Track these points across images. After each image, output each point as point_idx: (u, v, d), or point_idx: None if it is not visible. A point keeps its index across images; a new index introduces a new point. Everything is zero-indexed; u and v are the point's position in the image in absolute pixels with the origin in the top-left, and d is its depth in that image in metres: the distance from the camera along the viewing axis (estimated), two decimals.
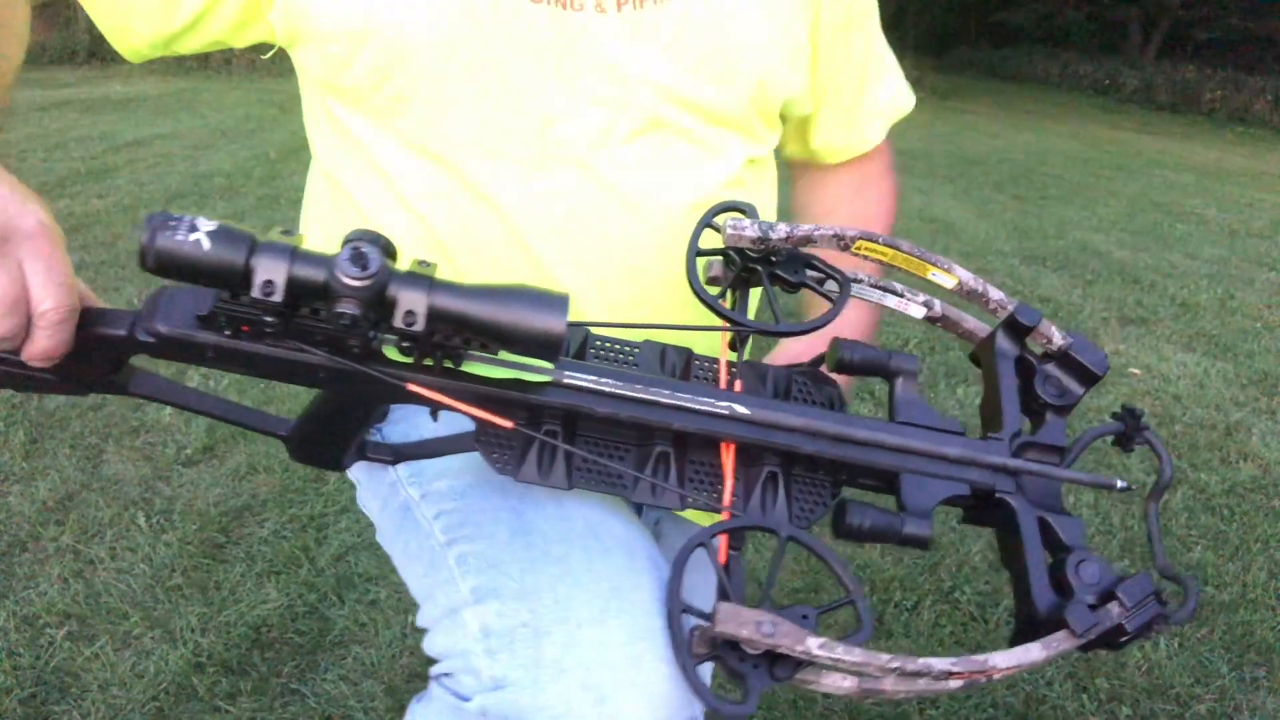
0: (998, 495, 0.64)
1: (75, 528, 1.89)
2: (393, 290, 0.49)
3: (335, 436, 0.67)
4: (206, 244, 0.47)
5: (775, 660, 0.54)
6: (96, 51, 9.03)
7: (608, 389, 0.61)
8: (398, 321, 0.49)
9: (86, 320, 0.55)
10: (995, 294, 0.69)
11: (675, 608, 0.56)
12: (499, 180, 0.77)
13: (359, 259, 0.48)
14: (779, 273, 0.70)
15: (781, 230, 0.67)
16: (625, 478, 0.62)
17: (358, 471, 0.87)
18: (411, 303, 0.49)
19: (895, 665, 0.54)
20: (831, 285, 0.71)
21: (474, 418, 0.59)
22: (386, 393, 0.58)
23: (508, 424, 0.59)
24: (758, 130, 0.85)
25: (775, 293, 0.70)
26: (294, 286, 0.49)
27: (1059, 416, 0.66)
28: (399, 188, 0.79)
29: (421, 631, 0.70)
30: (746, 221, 0.68)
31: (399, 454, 0.73)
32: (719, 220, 0.71)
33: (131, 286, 3.12)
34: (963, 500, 0.65)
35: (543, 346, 0.51)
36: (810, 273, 0.70)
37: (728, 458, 0.63)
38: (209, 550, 1.85)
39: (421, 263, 0.52)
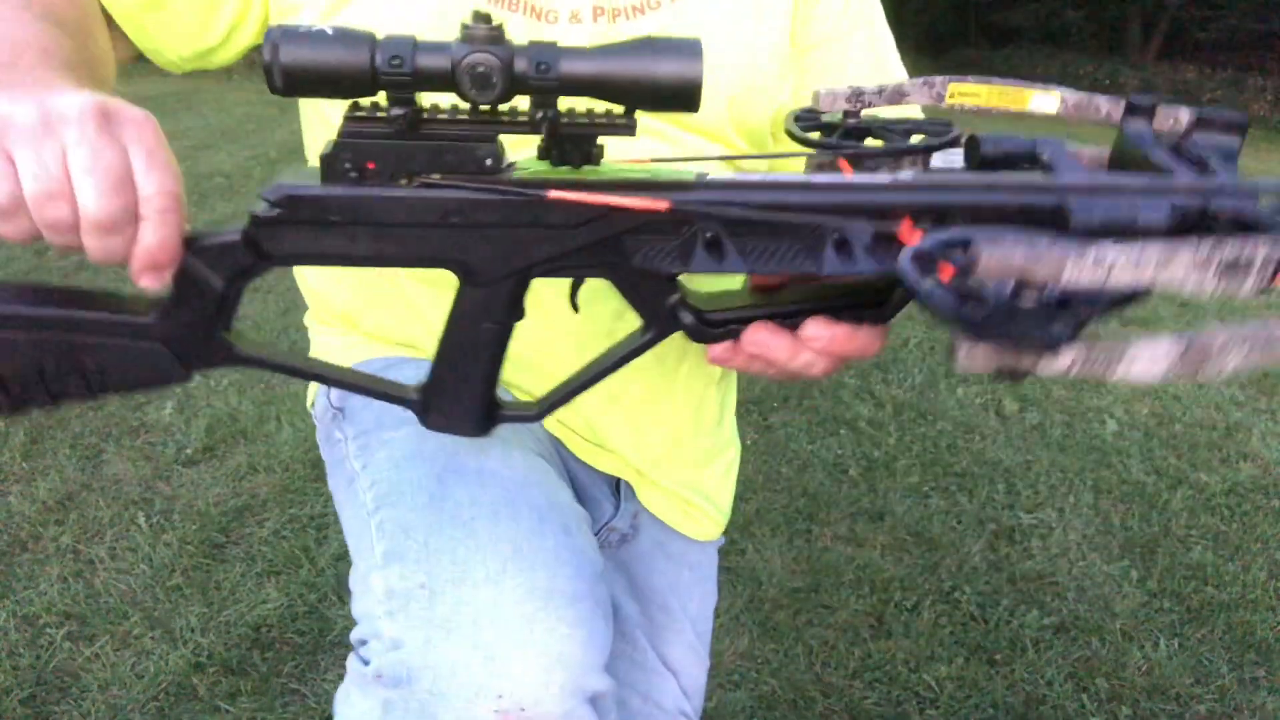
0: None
1: (75, 528, 1.89)
2: (520, 56, 0.48)
3: (473, 364, 0.62)
4: (330, 30, 0.47)
5: (1065, 307, 0.45)
6: None
7: (758, 180, 0.56)
8: (531, 73, 0.48)
9: (202, 236, 0.53)
10: (1103, 100, 0.66)
11: (921, 285, 0.45)
12: None
13: (482, 16, 0.47)
14: (887, 127, 0.66)
15: (873, 87, 0.66)
16: (805, 258, 0.57)
17: (324, 451, 0.88)
18: (544, 56, 0.48)
19: (1207, 252, 0.42)
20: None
21: (628, 208, 0.54)
22: (524, 242, 0.54)
23: (663, 204, 0.54)
24: (735, 142, 0.84)
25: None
26: (421, 66, 0.47)
27: (1228, 163, 0.58)
28: None
29: None
30: (839, 86, 0.66)
31: (544, 405, 0.66)
32: (809, 104, 0.68)
33: (130, 287, 3.11)
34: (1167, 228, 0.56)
35: (679, 95, 0.49)
36: (915, 125, 0.67)
37: (906, 229, 0.56)
38: (209, 550, 1.85)
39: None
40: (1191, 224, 0.54)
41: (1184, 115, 0.62)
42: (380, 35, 0.48)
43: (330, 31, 0.47)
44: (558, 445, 0.90)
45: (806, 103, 0.87)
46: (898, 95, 0.66)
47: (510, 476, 0.69)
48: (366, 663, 0.63)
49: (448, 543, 0.62)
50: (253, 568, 1.81)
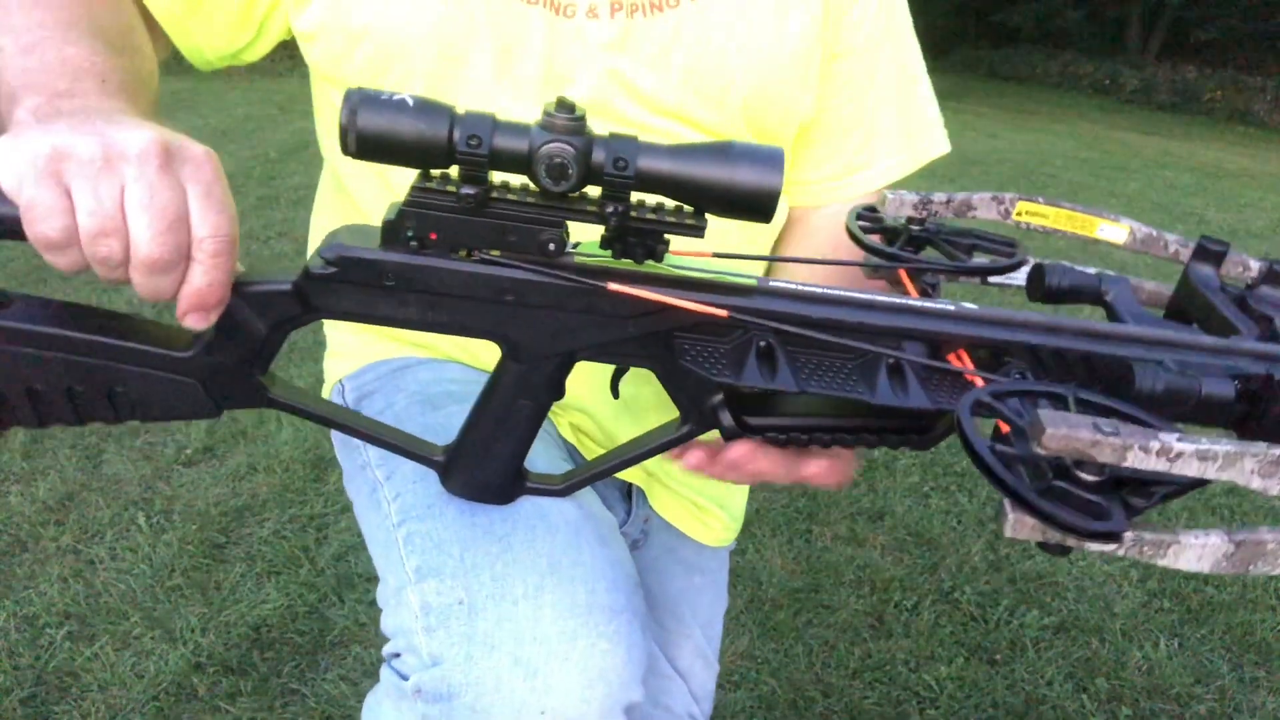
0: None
1: (75, 528, 1.88)
2: (598, 149, 0.47)
3: (503, 437, 0.62)
4: (411, 101, 0.46)
5: (1121, 488, 0.44)
6: None
7: (820, 292, 0.55)
8: (609, 168, 0.47)
9: (251, 280, 0.53)
10: (1172, 238, 0.65)
11: (980, 445, 0.43)
12: None
13: (565, 105, 0.47)
14: (950, 240, 0.66)
15: (941, 196, 0.66)
16: (857, 379, 0.55)
17: (340, 456, 0.88)
18: (622, 151, 0.47)
19: (1278, 453, 0.41)
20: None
21: (685, 310, 0.53)
22: (575, 326, 0.54)
23: (722, 312, 0.53)
24: None
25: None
26: (499, 148, 0.47)
27: None
28: (393, 183, 0.80)
29: None
30: (905, 191, 0.66)
31: (569, 481, 0.67)
32: (873, 200, 0.69)
33: (130, 287, 3.11)
34: (1237, 402, 0.54)
35: (759, 204, 0.48)
36: (979, 241, 0.67)
37: (963, 363, 0.56)
38: (209, 550, 1.85)
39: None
40: (1255, 392, 0.53)
41: (1254, 266, 0.62)
42: (461, 110, 0.48)
43: (411, 102, 0.47)
44: (573, 451, 0.90)
45: (828, 114, 0.86)
46: (965, 207, 0.66)
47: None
48: (405, 677, 0.62)
49: (484, 558, 0.62)
50: (253, 568, 1.81)
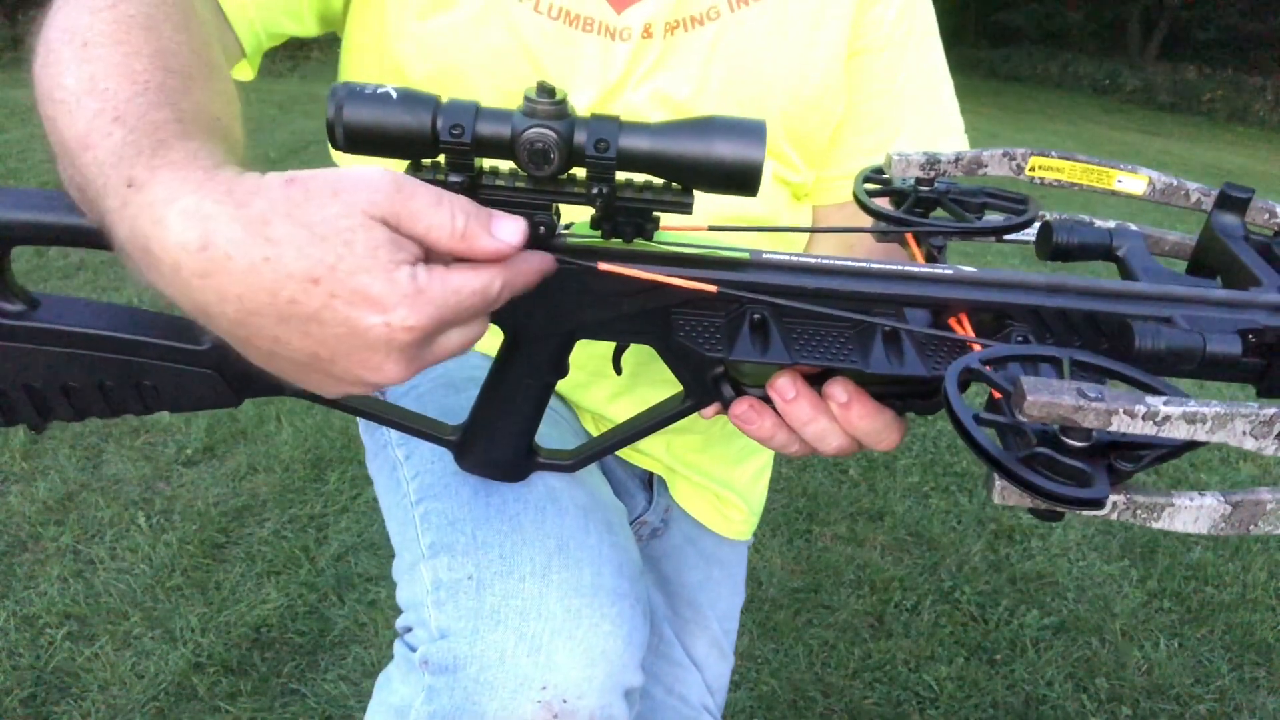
0: None
1: (75, 528, 1.88)
2: (580, 131, 0.48)
3: (511, 416, 0.63)
4: (394, 94, 0.47)
5: (1108, 452, 0.43)
6: None
7: (814, 262, 0.55)
8: (590, 150, 0.48)
9: None
10: (1193, 186, 0.63)
11: (964, 413, 0.42)
12: None
13: (546, 89, 0.47)
14: (960, 199, 0.64)
15: (949, 154, 0.63)
16: (852, 348, 0.55)
17: (364, 434, 0.89)
18: (603, 133, 0.48)
19: (1271, 414, 0.40)
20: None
21: (674, 286, 0.54)
22: (572, 306, 0.55)
23: (710, 288, 0.53)
24: (788, 154, 0.84)
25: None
26: (483, 134, 0.47)
27: None
28: None
29: None
30: (911, 150, 0.64)
31: (579, 457, 0.68)
32: (880, 163, 0.66)
33: (131, 287, 3.11)
34: (1253, 355, 0.53)
35: (743, 178, 0.48)
36: (990, 199, 0.64)
37: (964, 328, 0.54)
38: (209, 550, 1.85)
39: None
40: (1272, 345, 0.52)
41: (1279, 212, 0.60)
42: (444, 99, 0.48)
43: (394, 94, 0.47)
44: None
45: (850, 111, 0.84)
46: (975, 165, 0.63)
47: (553, 477, 0.69)
48: (413, 649, 0.63)
49: (495, 536, 0.64)
50: (253, 568, 1.81)
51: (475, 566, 0.62)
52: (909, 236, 0.62)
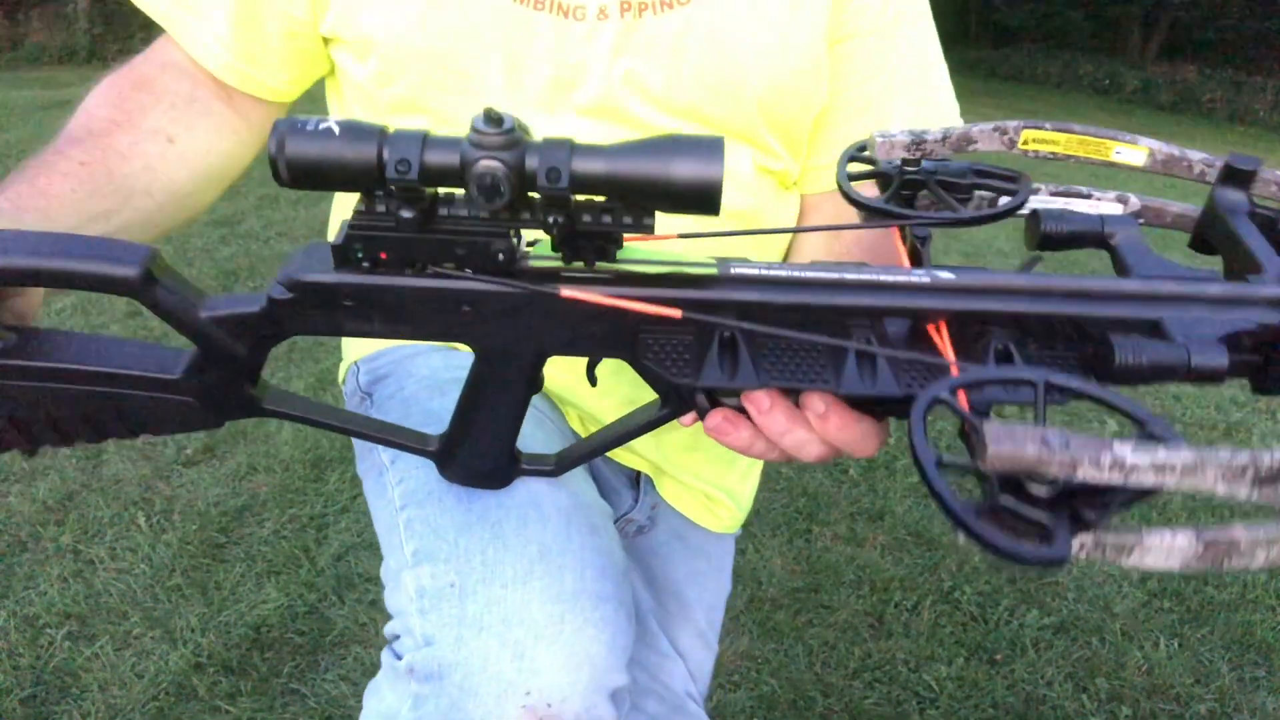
0: None
1: (75, 528, 1.89)
2: (531, 159, 0.46)
3: (489, 429, 0.63)
4: (337, 129, 0.46)
5: (1074, 498, 0.41)
6: (97, 52, 9.03)
7: (784, 274, 0.53)
8: (541, 180, 0.46)
9: (220, 305, 0.54)
10: (1196, 155, 0.60)
11: (926, 458, 0.42)
12: None
13: (493, 117, 0.46)
14: (944, 179, 0.61)
15: (936, 132, 0.60)
16: (824, 365, 0.53)
17: (354, 439, 0.90)
18: (554, 161, 0.46)
19: (1244, 460, 0.39)
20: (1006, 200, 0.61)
21: (638, 312, 0.52)
22: (538, 329, 0.54)
23: (674, 312, 0.52)
24: (768, 142, 0.82)
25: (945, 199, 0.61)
26: (430, 165, 0.46)
27: None
28: None
29: None
30: (895, 130, 0.60)
31: (561, 461, 0.68)
32: (864, 139, 0.63)
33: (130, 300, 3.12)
34: (1249, 352, 0.51)
35: (701, 196, 0.46)
36: (980, 179, 0.61)
37: (941, 338, 0.53)
38: (209, 550, 1.85)
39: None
40: (1267, 343, 0.50)
41: None
42: (391, 129, 0.47)
43: (337, 129, 0.46)
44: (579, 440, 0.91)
45: (835, 99, 0.82)
46: (964, 142, 0.60)
47: (536, 482, 0.69)
48: (400, 657, 0.64)
49: (477, 543, 0.64)
50: (253, 568, 1.81)
51: (458, 574, 0.62)
52: (895, 231, 0.60)
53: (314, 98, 0.89)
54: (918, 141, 0.59)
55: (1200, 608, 1.92)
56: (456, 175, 0.47)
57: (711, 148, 0.46)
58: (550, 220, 0.49)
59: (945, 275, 0.52)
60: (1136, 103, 15.00)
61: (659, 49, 0.76)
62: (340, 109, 0.87)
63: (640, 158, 0.46)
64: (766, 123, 0.80)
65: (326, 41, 0.80)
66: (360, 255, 0.51)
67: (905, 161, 0.61)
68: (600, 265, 0.52)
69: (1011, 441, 0.38)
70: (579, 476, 0.74)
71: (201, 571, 1.79)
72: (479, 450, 0.64)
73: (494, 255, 0.51)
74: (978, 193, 0.61)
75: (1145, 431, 0.42)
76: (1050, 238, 0.56)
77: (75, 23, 9.14)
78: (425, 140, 0.46)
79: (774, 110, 0.80)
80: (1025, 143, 0.59)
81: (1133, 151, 0.58)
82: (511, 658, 0.58)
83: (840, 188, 0.61)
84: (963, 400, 0.47)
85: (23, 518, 1.91)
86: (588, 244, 0.51)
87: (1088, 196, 0.63)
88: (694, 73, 0.77)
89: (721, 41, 0.77)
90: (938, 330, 0.53)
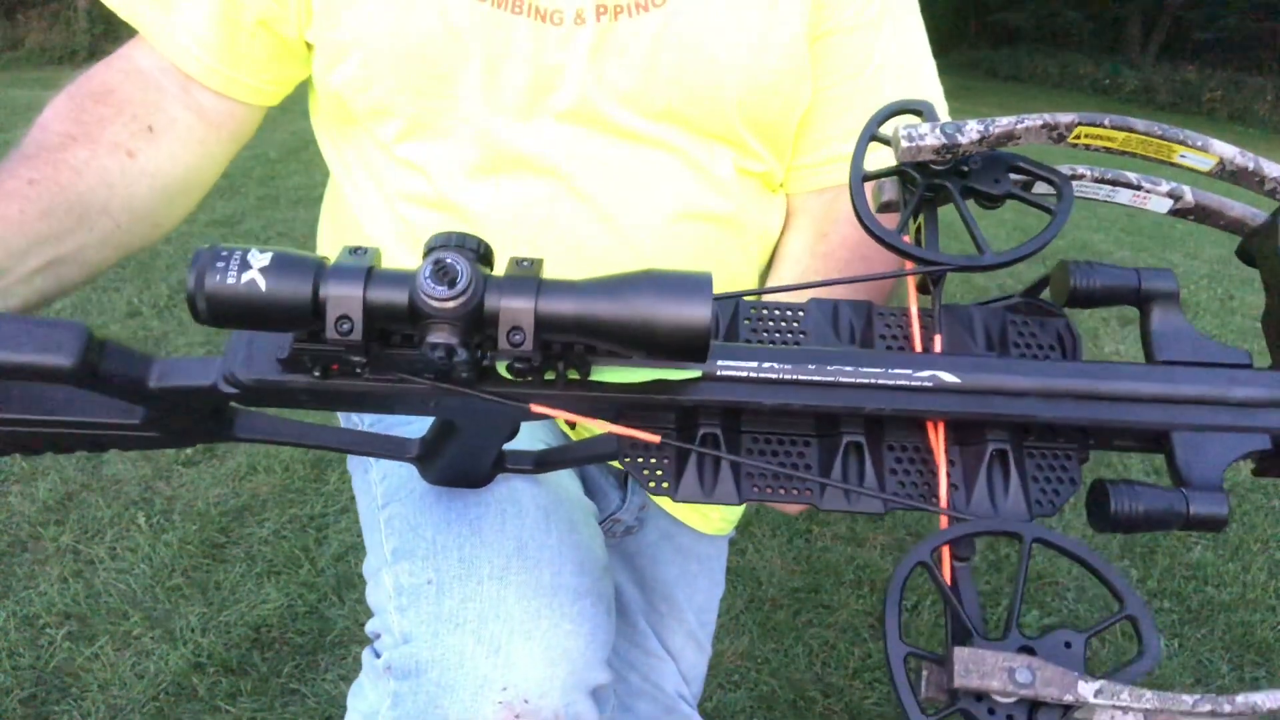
0: None
1: (75, 528, 1.89)
2: (491, 302, 0.40)
3: (465, 455, 0.62)
4: (263, 283, 0.39)
5: (1036, 706, 0.42)
6: (96, 52, 9.03)
7: (774, 375, 0.48)
8: (503, 344, 0.41)
9: (171, 373, 0.49)
10: (1272, 169, 0.52)
11: (895, 651, 0.44)
12: (472, 189, 0.77)
13: (443, 273, 0.39)
14: (975, 185, 0.53)
15: (973, 131, 0.50)
16: (809, 484, 0.51)
17: None
18: (516, 317, 0.40)
19: (1207, 709, 0.42)
20: (1043, 189, 0.55)
21: (613, 435, 0.49)
22: (509, 416, 0.52)
23: (653, 438, 0.48)
24: (750, 144, 0.81)
25: (972, 212, 0.53)
26: (374, 316, 0.40)
27: None
28: (386, 191, 0.80)
29: None
30: (925, 126, 0.51)
31: (541, 462, 0.66)
32: (887, 130, 0.55)
33: (130, 286, 3.11)
34: (1263, 454, 0.50)
35: (686, 346, 0.41)
36: (1015, 177, 0.54)
37: (938, 440, 0.50)
38: (209, 550, 1.85)
39: (520, 261, 0.43)
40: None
41: None
42: (329, 262, 0.41)
43: (268, 263, 0.40)
44: (567, 440, 0.90)
45: (819, 96, 0.79)
46: (1005, 140, 0.51)
47: (516, 477, 0.69)
48: (379, 655, 0.64)
49: (455, 540, 0.64)
50: (253, 568, 1.81)
51: (435, 571, 0.62)
52: (911, 282, 0.54)
53: (284, 107, 0.88)
54: (950, 145, 0.51)
55: (1200, 608, 1.92)
56: (409, 337, 0.42)
57: (699, 286, 0.40)
58: (518, 369, 0.46)
59: (947, 377, 0.48)
60: (1136, 102, 15.00)
61: (634, 52, 0.75)
62: (317, 115, 0.87)
63: (616, 300, 0.41)
64: (747, 124, 0.79)
65: (307, 46, 0.80)
66: (310, 365, 0.46)
67: (930, 164, 0.53)
68: (573, 376, 0.47)
69: (979, 676, 0.41)
70: (563, 473, 0.74)
71: (201, 571, 1.79)
72: (459, 462, 0.64)
73: (458, 373, 0.46)
74: (1013, 176, 0.55)
75: (1122, 612, 0.44)
76: (1081, 294, 0.51)
77: (75, 23, 9.14)
78: (368, 280, 0.40)
79: (754, 111, 0.78)
80: (1076, 137, 0.52)
81: (1200, 158, 0.52)
82: (488, 653, 0.58)
83: (856, 212, 0.53)
84: (946, 561, 0.48)
85: (23, 518, 1.91)
86: (564, 365, 0.47)
87: (1137, 187, 0.56)
88: (670, 75, 0.76)
89: (698, 43, 0.75)
90: (934, 428, 0.50)
